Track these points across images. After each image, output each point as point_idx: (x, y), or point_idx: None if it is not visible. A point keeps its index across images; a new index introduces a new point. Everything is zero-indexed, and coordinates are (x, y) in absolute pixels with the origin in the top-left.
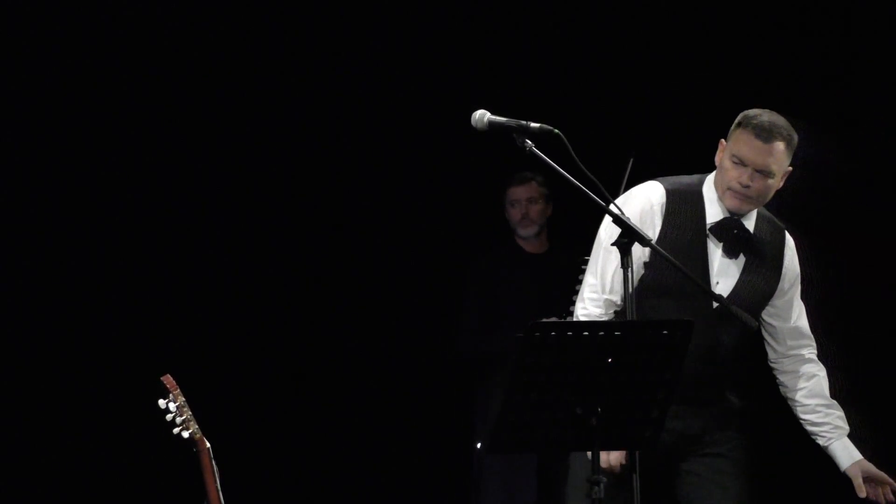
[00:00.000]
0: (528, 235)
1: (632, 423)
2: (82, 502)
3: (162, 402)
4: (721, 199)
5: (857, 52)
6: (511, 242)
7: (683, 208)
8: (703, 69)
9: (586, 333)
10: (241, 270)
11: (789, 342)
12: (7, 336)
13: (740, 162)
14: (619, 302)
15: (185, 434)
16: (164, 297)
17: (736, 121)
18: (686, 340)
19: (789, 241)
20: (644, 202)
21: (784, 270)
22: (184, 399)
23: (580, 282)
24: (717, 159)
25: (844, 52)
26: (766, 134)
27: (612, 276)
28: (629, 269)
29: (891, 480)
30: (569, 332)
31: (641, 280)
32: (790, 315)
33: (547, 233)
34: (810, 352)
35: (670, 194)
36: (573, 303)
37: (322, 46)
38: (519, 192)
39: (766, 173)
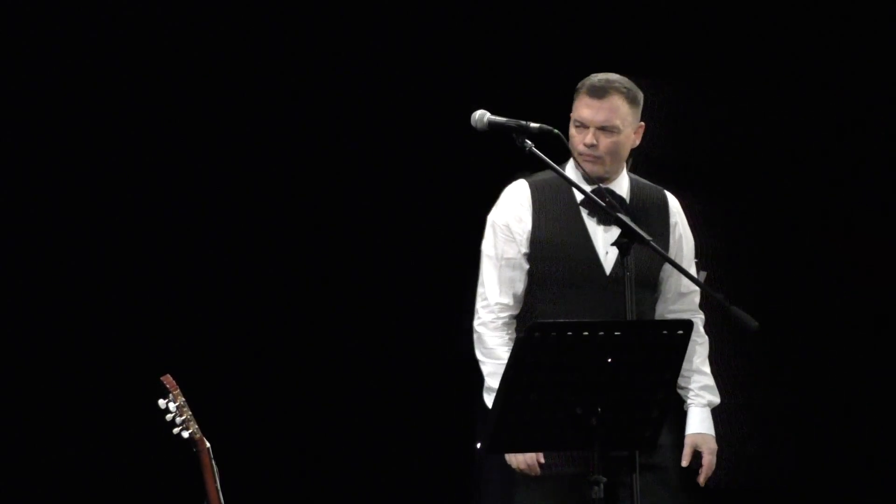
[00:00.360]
0: None
1: (632, 423)
2: (82, 502)
3: (162, 402)
4: (579, 169)
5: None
6: None
7: (551, 195)
8: (702, 69)
9: (586, 333)
10: (241, 270)
11: (674, 305)
12: (7, 336)
13: (582, 124)
14: (510, 303)
15: (185, 434)
16: (164, 297)
17: (575, 90)
18: (686, 340)
19: (672, 199)
20: (511, 201)
21: (672, 227)
22: (184, 399)
23: None
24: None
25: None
26: (599, 91)
27: (498, 282)
28: (629, 270)
29: (707, 472)
30: (569, 332)
31: (529, 274)
32: (674, 278)
33: None
34: (692, 318)
35: (534, 185)
36: None
37: (322, 46)
38: None
39: (608, 129)
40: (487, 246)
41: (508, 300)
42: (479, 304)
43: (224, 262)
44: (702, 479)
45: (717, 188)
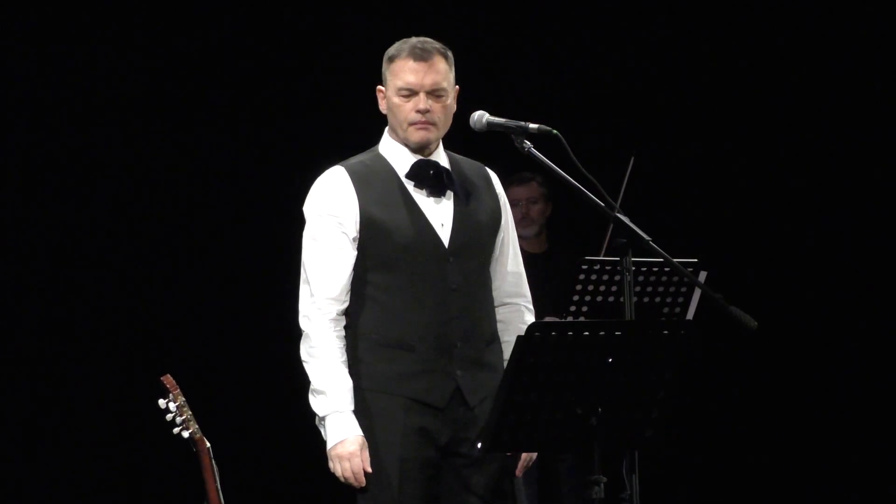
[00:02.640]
0: (529, 235)
1: (632, 423)
2: (82, 502)
3: (162, 402)
4: (406, 142)
5: None
6: None
7: (372, 176)
8: (702, 69)
9: (586, 333)
10: (241, 270)
11: (508, 288)
12: (8, 336)
13: (410, 91)
14: (340, 296)
15: (185, 434)
16: (164, 297)
17: (386, 59)
18: (687, 340)
19: (492, 173)
20: (331, 187)
21: (502, 204)
22: (184, 399)
23: (580, 281)
24: (382, 108)
25: None
26: (424, 54)
27: (326, 275)
28: (628, 270)
29: (524, 461)
30: (569, 332)
31: (361, 260)
32: (507, 257)
33: (547, 233)
34: (528, 304)
35: (350, 169)
36: (573, 303)
37: (320, 46)
38: (519, 193)
39: (438, 93)
40: (311, 238)
41: (337, 293)
42: (304, 300)
43: (223, 263)
44: (518, 469)
45: (715, 186)
